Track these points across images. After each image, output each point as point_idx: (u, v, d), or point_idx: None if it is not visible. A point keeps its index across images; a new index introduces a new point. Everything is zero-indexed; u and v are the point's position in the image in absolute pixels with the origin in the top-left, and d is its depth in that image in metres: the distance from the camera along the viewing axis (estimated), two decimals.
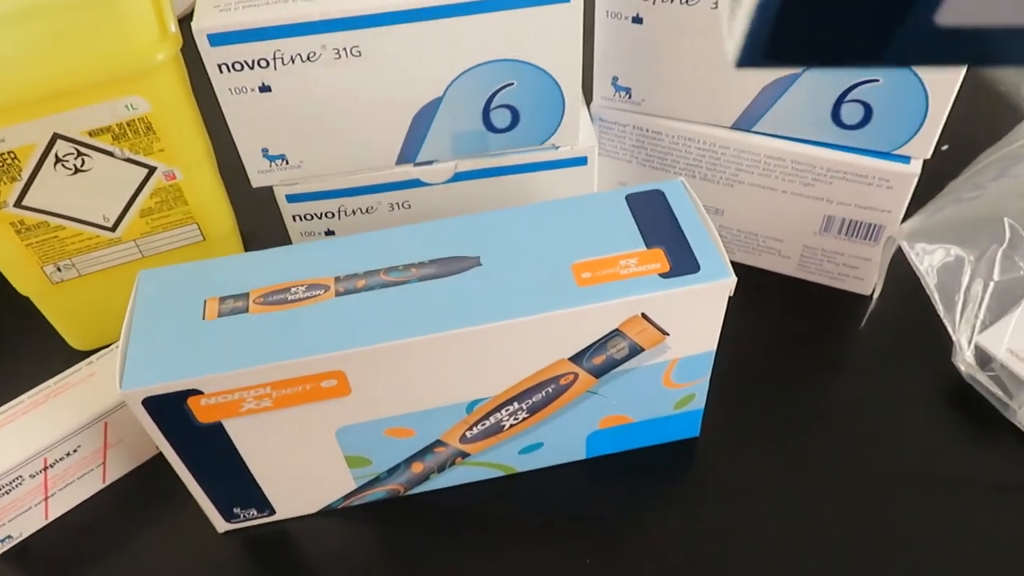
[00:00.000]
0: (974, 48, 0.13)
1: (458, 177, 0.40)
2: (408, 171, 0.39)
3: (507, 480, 0.37)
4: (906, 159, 0.38)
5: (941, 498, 0.35)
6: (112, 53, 0.32)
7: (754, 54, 0.13)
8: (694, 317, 0.31)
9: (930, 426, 0.38)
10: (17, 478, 0.34)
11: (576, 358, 0.32)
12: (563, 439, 0.36)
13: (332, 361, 0.29)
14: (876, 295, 0.40)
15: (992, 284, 0.38)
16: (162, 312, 0.30)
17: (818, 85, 0.37)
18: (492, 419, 0.33)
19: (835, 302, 0.43)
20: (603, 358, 0.32)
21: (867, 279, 0.43)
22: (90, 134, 0.34)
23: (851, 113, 0.37)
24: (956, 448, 0.37)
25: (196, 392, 0.29)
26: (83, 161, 0.35)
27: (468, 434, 0.34)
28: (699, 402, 0.36)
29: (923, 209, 0.40)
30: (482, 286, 0.30)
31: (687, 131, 0.41)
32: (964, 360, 0.37)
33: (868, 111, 0.37)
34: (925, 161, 0.38)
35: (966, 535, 0.34)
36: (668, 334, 0.32)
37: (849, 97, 0.36)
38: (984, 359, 0.37)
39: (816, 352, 0.41)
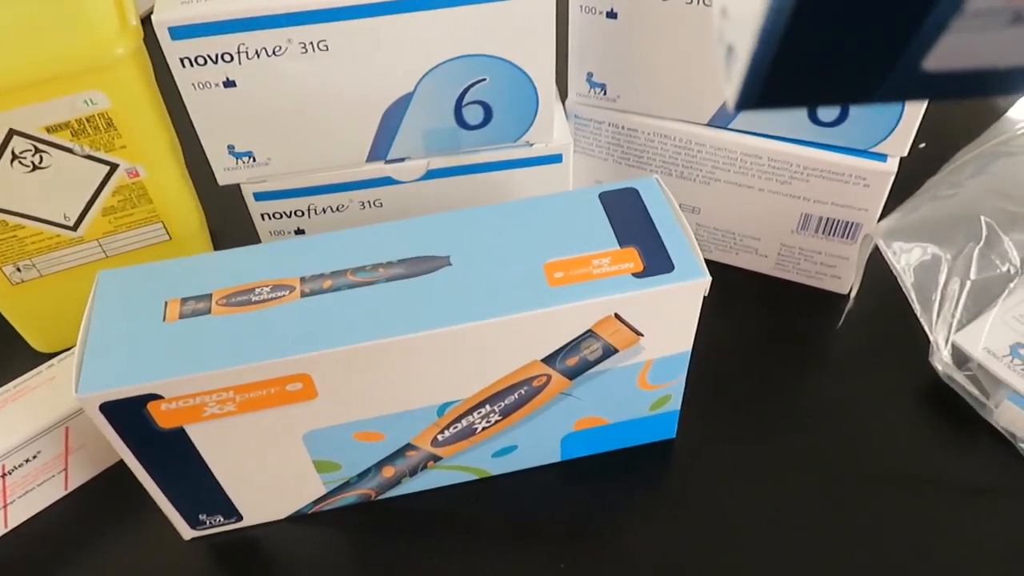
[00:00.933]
0: (962, 84, 0.14)
1: (430, 175, 0.39)
2: (379, 169, 0.38)
3: (481, 484, 0.36)
4: (883, 157, 0.37)
5: (917, 497, 0.35)
6: (69, 46, 0.31)
7: (751, 98, 0.14)
8: (669, 317, 0.31)
9: (907, 426, 0.38)
10: None
11: (549, 359, 0.31)
12: (537, 442, 0.35)
13: (297, 364, 0.28)
14: (853, 294, 0.40)
15: (969, 283, 0.37)
16: (121, 314, 0.29)
17: None
18: (464, 422, 0.33)
19: (812, 301, 0.43)
20: (576, 359, 0.31)
21: (844, 278, 0.42)
22: (48, 130, 0.33)
23: (828, 110, 0.37)
24: (932, 448, 0.37)
25: (156, 397, 0.28)
26: (41, 158, 0.34)
27: (440, 437, 0.33)
28: (675, 403, 0.36)
29: (900, 207, 0.40)
30: (452, 286, 0.30)
31: (663, 128, 0.40)
32: (941, 359, 0.37)
33: (845, 108, 0.36)
34: (902, 159, 0.37)
35: (942, 534, 0.34)
36: (642, 335, 0.31)
37: None
38: (961, 358, 0.37)
39: (793, 352, 0.41)
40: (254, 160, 0.37)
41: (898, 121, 0.36)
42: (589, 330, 0.30)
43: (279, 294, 0.30)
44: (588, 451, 0.37)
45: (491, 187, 0.40)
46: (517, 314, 0.29)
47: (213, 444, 0.30)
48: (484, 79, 0.36)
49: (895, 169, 0.37)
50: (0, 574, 0.34)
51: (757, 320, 0.42)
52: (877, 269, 0.38)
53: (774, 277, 0.44)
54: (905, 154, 0.37)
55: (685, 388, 0.35)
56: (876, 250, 0.38)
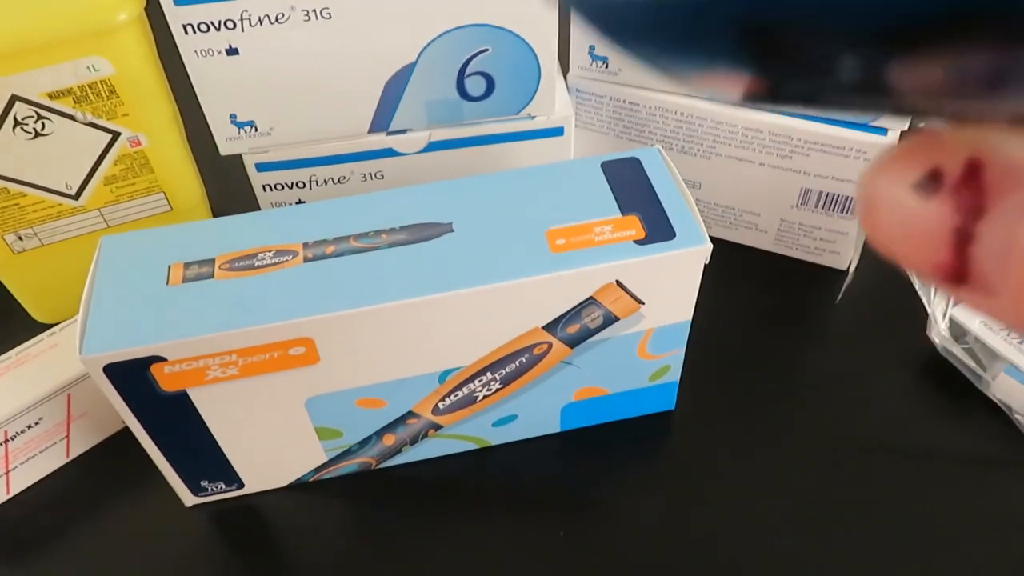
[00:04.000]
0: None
1: (432, 147, 0.39)
2: (381, 140, 0.39)
3: (481, 453, 0.37)
4: (883, 131, 0.38)
5: (915, 470, 0.35)
6: (72, 11, 0.31)
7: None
8: (669, 285, 0.31)
9: (905, 399, 0.38)
10: None
11: (550, 327, 0.31)
12: (538, 411, 0.35)
13: (300, 327, 0.28)
14: (852, 269, 0.40)
15: None
16: (125, 277, 0.29)
17: None
18: (465, 389, 0.33)
19: (812, 277, 0.43)
20: (577, 327, 0.32)
21: (843, 253, 0.43)
22: (50, 96, 0.33)
23: None
24: (930, 421, 0.37)
25: (159, 359, 0.28)
26: (43, 125, 0.34)
27: (441, 405, 0.33)
28: (674, 374, 0.36)
29: None
30: (454, 252, 0.30)
31: (664, 102, 0.40)
32: (939, 333, 0.37)
33: None
34: (902, 133, 0.38)
35: (940, 506, 0.34)
36: (643, 303, 0.31)
37: None
38: (959, 332, 0.37)
39: (793, 327, 0.41)
40: (256, 130, 0.37)
41: None
42: (590, 297, 0.30)
43: (282, 259, 0.30)
44: (588, 422, 0.37)
45: (492, 160, 0.40)
46: (519, 279, 0.29)
47: (216, 409, 0.31)
48: (487, 49, 0.36)
49: (895, 142, 0.37)
50: (2, 540, 0.34)
51: (756, 295, 0.42)
52: None
53: (774, 253, 0.44)
54: (905, 128, 0.37)
55: (685, 362, 0.35)
56: None
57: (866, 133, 0.37)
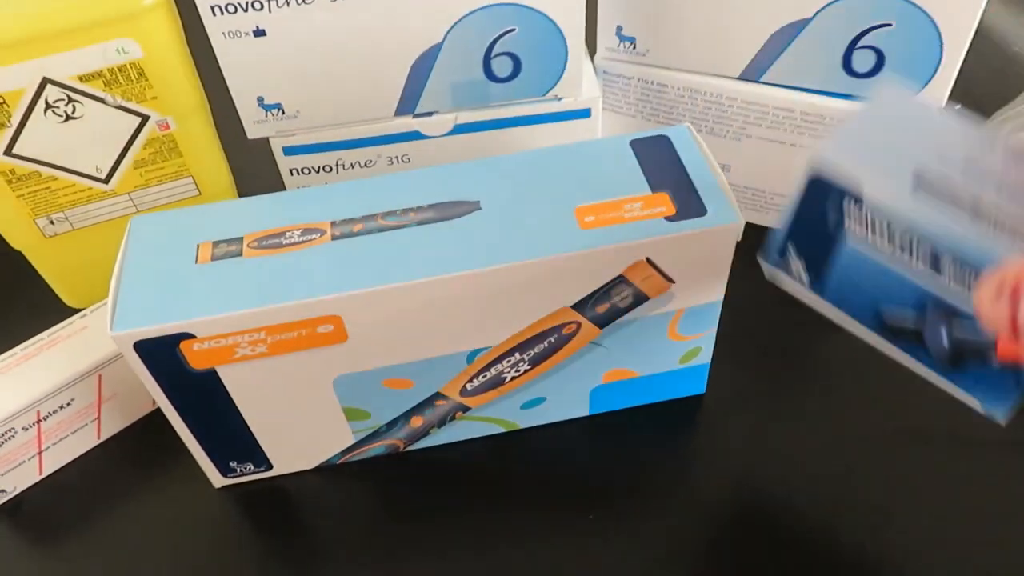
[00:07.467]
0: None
1: (458, 129, 0.39)
2: (407, 123, 0.38)
3: (509, 436, 0.36)
4: None
5: (946, 454, 0.35)
6: None
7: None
8: (701, 263, 0.30)
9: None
10: (10, 430, 0.33)
11: (579, 306, 0.31)
12: (566, 394, 0.35)
13: (328, 305, 0.28)
14: None
15: None
16: (154, 256, 0.29)
17: (830, 30, 0.35)
18: (493, 370, 0.33)
19: None
20: (607, 306, 0.31)
21: None
22: (81, 79, 0.33)
23: (863, 60, 0.36)
24: (960, 404, 0.36)
25: (189, 336, 0.28)
26: (74, 108, 0.34)
27: (469, 386, 0.33)
28: (705, 356, 0.35)
29: None
30: (482, 230, 0.29)
31: (693, 83, 0.40)
32: None
33: (880, 58, 0.36)
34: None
35: (972, 490, 0.33)
36: (674, 281, 0.31)
37: (861, 43, 0.35)
38: None
39: None
40: (283, 112, 0.37)
41: (935, 70, 0.35)
42: (620, 275, 0.30)
43: (310, 237, 0.30)
44: (617, 405, 0.37)
45: (518, 143, 0.40)
46: (547, 257, 0.29)
47: (245, 388, 0.31)
48: (513, 29, 0.35)
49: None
50: (35, 520, 0.35)
51: None
52: None
53: None
54: (942, 106, 0.36)
55: (715, 345, 0.35)
56: None
57: None
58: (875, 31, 0.35)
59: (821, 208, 0.23)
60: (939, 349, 0.22)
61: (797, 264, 0.24)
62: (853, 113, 0.25)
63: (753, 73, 0.38)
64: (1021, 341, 0.16)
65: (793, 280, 0.25)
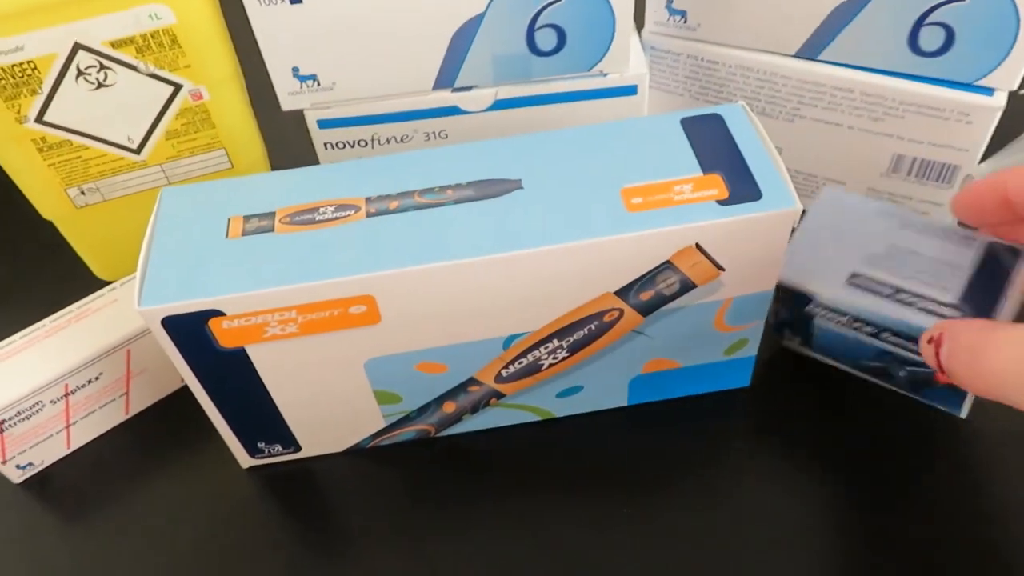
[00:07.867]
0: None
1: (498, 105, 0.37)
2: (445, 97, 0.37)
3: (543, 425, 0.35)
4: (989, 91, 0.34)
5: (994, 453, 0.33)
6: None
7: None
8: (753, 251, 0.29)
9: None
10: (38, 403, 0.33)
11: (622, 292, 0.29)
12: (604, 383, 0.34)
13: (361, 284, 0.27)
14: None
15: None
16: (184, 230, 0.29)
17: (896, 5, 0.33)
18: (530, 357, 0.31)
19: None
20: (651, 293, 0.30)
21: None
22: (113, 45, 0.32)
23: (931, 38, 0.34)
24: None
25: (218, 313, 0.27)
26: (106, 75, 0.33)
27: (504, 372, 0.32)
28: (752, 348, 0.34)
29: (1004, 149, 0.37)
30: (523, 210, 0.28)
31: (746, 60, 0.38)
32: None
33: (950, 35, 0.33)
34: (1010, 94, 0.34)
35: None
36: (723, 269, 0.29)
37: (930, 19, 0.33)
38: None
39: None
40: (319, 84, 0.36)
41: (1011, 48, 0.33)
42: (667, 261, 0.28)
43: (344, 213, 0.28)
44: (657, 396, 0.35)
45: (560, 120, 0.38)
46: (591, 239, 0.27)
47: (274, 368, 0.30)
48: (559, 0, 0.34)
49: (1003, 104, 0.34)
50: (62, 494, 0.34)
51: None
52: None
53: None
54: (1015, 88, 0.34)
55: (762, 336, 0.33)
56: None
57: (970, 93, 0.34)
58: (946, 6, 0.33)
59: (796, 302, 0.33)
60: (900, 381, 0.33)
61: (792, 335, 0.35)
62: (802, 222, 0.34)
63: (811, 51, 0.36)
64: (946, 373, 0.25)
65: (793, 344, 0.36)
